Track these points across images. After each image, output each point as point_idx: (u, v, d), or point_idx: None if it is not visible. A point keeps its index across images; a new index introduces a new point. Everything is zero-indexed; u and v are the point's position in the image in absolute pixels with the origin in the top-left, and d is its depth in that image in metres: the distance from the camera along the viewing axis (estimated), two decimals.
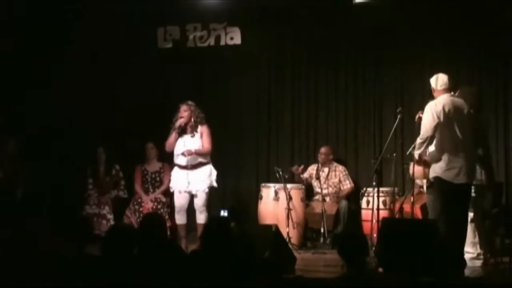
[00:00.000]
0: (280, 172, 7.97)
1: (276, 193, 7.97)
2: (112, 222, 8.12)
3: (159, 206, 8.18)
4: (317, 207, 8.01)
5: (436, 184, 5.97)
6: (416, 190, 7.08)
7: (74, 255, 4.19)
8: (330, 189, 8.30)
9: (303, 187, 8.17)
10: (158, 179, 8.44)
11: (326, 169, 8.37)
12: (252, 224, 7.69)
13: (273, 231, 6.38)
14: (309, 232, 8.22)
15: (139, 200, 8.28)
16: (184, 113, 7.40)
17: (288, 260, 6.20)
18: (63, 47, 8.89)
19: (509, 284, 5.73)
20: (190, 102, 7.46)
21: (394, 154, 7.09)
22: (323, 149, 8.39)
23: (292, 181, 8.25)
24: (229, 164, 8.94)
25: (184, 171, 7.42)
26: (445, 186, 5.91)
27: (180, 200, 7.48)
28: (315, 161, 8.46)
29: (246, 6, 8.75)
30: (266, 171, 8.82)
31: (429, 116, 5.93)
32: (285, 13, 8.77)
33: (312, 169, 8.41)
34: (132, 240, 4.23)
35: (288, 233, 7.64)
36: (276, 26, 8.93)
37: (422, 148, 5.99)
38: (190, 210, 7.53)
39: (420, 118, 6.41)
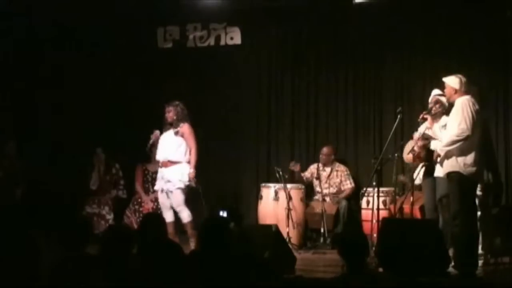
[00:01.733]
0: (280, 172, 7.97)
1: (276, 193, 7.97)
2: (111, 222, 8.12)
3: (159, 206, 8.18)
4: (317, 207, 8.01)
5: (455, 180, 5.92)
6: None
7: (74, 255, 4.18)
8: (331, 189, 8.29)
9: (303, 187, 8.17)
10: None
11: (328, 169, 8.37)
12: (252, 224, 7.69)
13: (273, 231, 6.38)
14: (309, 232, 8.22)
15: (139, 200, 8.28)
16: (169, 113, 7.38)
17: (288, 260, 6.19)
18: (62, 47, 8.89)
19: (509, 284, 5.73)
20: (176, 102, 7.42)
21: (396, 155, 7.07)
22: (324, 149, 8.38)
23: (292, 181, 8.25)
24: (229, 164, 8.95)
25: (161, 169, 7.41)
26: (466, 183, 5.90)
27: (161, 199, 7.46)
28: (316, 160, 8.46)
29: (246, 6, 8.74)
30: (266, 171, 8.81)
31: (470, 114, 5.84)
32: (285, 13, 8.77)
33: (313, 167, 8.39)
34: (129, 240, 4.22)
35: (288, 233, 7.64)
36: (276, 26, 8.93)
37: (455, 145, 5.88)
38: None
39: (423, 119, 6.38)
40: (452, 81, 6.06)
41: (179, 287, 4.05)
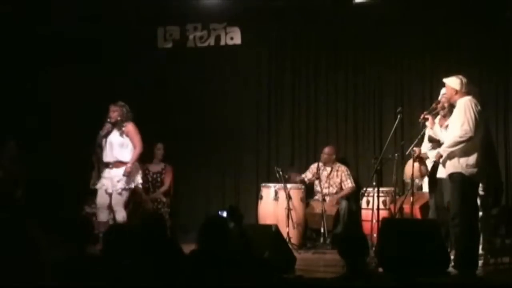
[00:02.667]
0: (280, 172, 7.97)
1: (276, 193, 7.97)
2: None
3: (159, 206, 8.19)
4: (317, 207, 8.01)
5: (457, 181, 5.91)
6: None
7: (75, 255, 4.19)
8: (331, 188, 8.29)
9: (303, 187, 8.17)
10: (159, 179, 8.45)
11: (328, 169, 8.36)
12: (252, 224, 7.68)
13: (273, 231, 6.38)
14: (309, 232, 8.22)
15: (139, 200, 8.28)
16: (113, 113, 7.33)
17: (288, 260, 6.19)
18: (63, 47, 8.89)
19: (509, 284, 5.73)
20: (121, 103, 7.38)
21: (396, 155, 7.07)
22: (326, 149, 8.38)
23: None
24: (229, 164, 8.95)
25: (107, 169, 7.36)
26: (467, 184, 5.89)
27: (101, 199, 7.38)
28: (315, 160, 8.45)
29: (246, 6, 8.74)
30: (266, 171, 8.81)
31: (472, 115, 5.82)
32: (285, 13, 8.78)
33: (314, 167, 8.37)
34: (130, 240, 4.22)
35: (288, 233, 7.63)
36: (276, 26, 8.93)
37: (458, 147, 5.85)
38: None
39: (424, 119, 6.37)
40: (452, 82, 6.04)
41: (179, 287, 4.05)
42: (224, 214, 7.34)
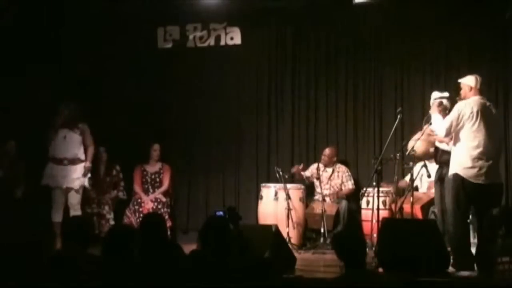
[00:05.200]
0: (280, 172, 7.97)
1: (276, 193, 7.97)
2: (111, 222, 8.13)
3: (159, 206, 8.19)
4: (317, 207, 8.00)
5: (452, 180, 5.97)
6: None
7: (76, 255, 4.19)
8: (331, 189, 8.28)
9: (303, 187, 8.17)
10: (158, 179, 8.45)
11: (329, 170, 8.34)
12: (251, 224, 7.69)
13: (273, 231, 6.38)
14: (309, 232, 8.22)
15: (139, 200, 8.27)
16: (66, 111, 7.53)
17: (288, 260, 6.20)
18: (63, 47, 8.89)
19: (509, 284, 5.73)
20: (72, 103, 7.60)
21: (398, 155, 7.07)
22: (326, 151, 8.35)
23: (292, 180, 8.25)
24: (229, 164, 8.95)
25: (60, 166, 7.43)
26: (460, 183, 5.92)
27: (59, 198, 7.43)
28: (316, 160, 8.45)
29: (246, 6, 8.74)
30: (266, 171, 8.81)
31: (455, 120, 5.95)
32: (285, 13, 8.78)
33: (314, 167, 8.37)
34: (132, 240, 4.23)
35: (288, 233, 7.64)
36: (276, 26, 8.94)
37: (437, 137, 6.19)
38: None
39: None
40: (467, 80, 6.11)
41: (179, 287, 4.05)
42: (221, 214, 7.34)
